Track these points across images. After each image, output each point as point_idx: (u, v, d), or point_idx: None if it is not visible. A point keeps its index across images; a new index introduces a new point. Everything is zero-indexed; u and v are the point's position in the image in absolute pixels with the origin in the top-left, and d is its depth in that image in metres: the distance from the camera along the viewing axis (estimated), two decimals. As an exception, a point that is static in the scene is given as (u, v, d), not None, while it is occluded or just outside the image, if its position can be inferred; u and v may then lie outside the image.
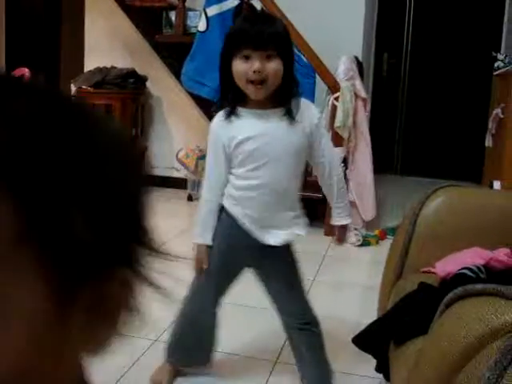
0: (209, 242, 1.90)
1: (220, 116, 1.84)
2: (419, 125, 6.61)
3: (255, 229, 1.87)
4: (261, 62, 1.70)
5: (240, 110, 1.80)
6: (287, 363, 2.20)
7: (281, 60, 1.73)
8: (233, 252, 1.92)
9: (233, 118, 1.81)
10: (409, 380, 1.30)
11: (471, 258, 1.76)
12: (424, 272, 1.94)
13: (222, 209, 1.90)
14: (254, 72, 1.70)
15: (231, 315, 2.15)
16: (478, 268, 1.68)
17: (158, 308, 2.04)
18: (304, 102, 1.86)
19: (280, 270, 1.97)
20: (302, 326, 1.98)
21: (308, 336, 2.00)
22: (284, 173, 1.82)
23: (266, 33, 1.71)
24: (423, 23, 6.49)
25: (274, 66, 1.72)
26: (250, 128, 1.79)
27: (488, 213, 1.98)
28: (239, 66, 1.72)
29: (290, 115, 1.80)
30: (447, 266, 1.79)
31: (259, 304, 2.27)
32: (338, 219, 1.98)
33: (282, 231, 1.89)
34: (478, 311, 1.13)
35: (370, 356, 1.85)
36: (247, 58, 1.71)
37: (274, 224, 1.88)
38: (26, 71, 2.95)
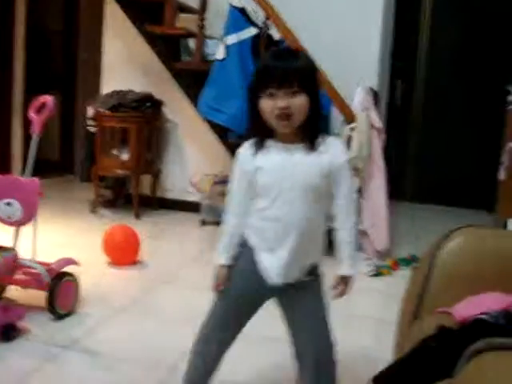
0: (228, 262, 1.94)
1: (247, 146, 1.88)
2: (431, 152, 6.63)
3: (270, 262, 1.90)
4: (285, 99, 1.74)
5: (267, 142, 1.85)
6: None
7: (306, 95, 1.76)
8: (254, 283, 1.94)
9: (259, 149, 1.85)
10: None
11: (490, 302, 1.78)
12: (440, 312, 1.96)
13: (244, 240, 1.94)
14: (279, 109, 1.74)
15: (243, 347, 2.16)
16: (498, 313, 1.70)
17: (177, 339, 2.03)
18: (332, 140, 1.88)
19: (304, 303, 1.96)
20: (319, 364, 1.98)
21: (322, 376, 2.00)
22: (300, 208, 1.84)
23: (289, 70, 1.74)
24: (437, 50, 6.54)
25: (299, 102, 1.75)
26: (273, 160, 1.83)
27: (508, 256, 2.00)
28: (265, 104, 1.77)
29: (312, 150, 1.83)
30: (465, 309, 1.81)
31: (275, 335, 2.28)
32: (342, 270, 1.94)
33: (297, 266, 1.92)
34: (500, 367, 1.15)
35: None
36: (272, 95, 1.75)
37: (288, 259, 1.89)
38: (49, 99, 2.98)
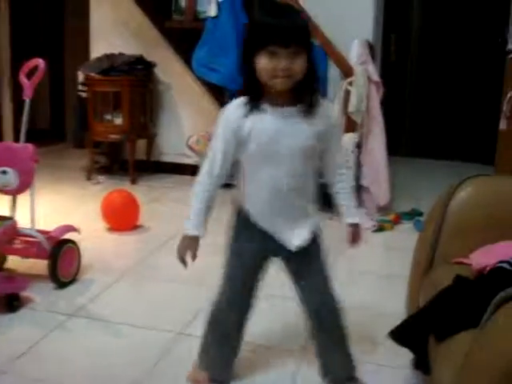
0: (202, 235, 1.86)
1: (238, 104, 1.79)
2: (428, 106, 6.56)
3: (268, 227, 1.88)
4: (287, 59, 1.66)
5: (260, 103, 1.76)
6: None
7: (306, 54, 1.69)
8: (254, 249, 1.92)
9: (251, 109, 1.76)
10: (458, 380, 1.29)
11: (507, 250, 1.74)
12: (456, 263, 1.93)
13: (241, 207, 1.91)
14: (282, 70, 1.67)
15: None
16: (516, 261, 1.66)
17: (182, 301, 2.01)
18: (323, 101, 1.83)
19: (303, 261, 1.95)
20: (325, 316, 1.98)
21: (331, 325, 2.00)
22: (293, 170, 1.80)
23: (291, 29, 1.65)
24: (432, 2, 6.43)
25: (300, 62, 1.67)
26: (265, 122, 1.75)
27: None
28: (265, 64, 1.66)
29: (307, 113, 1.76)
30: (483, 258, 1.78)
31: (283, 293, 2.25)
32: (351, 218, 1.95)
33: (296, 230, 1.89)
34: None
35: (391, 346, 1.82)
36: (273, 54, 1.67)
37: (285, 223, 1.87)
38: (40, 61, 2.90)
